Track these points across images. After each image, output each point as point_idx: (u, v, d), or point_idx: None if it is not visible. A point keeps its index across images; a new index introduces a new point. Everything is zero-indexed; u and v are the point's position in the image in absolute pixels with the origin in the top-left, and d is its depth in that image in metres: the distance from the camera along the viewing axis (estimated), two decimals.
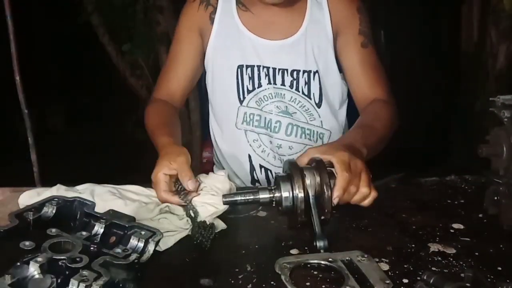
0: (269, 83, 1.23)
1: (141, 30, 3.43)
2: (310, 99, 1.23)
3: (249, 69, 1.23)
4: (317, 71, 1.22)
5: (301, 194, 0.82)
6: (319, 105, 1.24)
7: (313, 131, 1.25)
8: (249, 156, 1.27)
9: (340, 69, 1.25)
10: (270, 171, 1.28)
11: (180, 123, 1.25)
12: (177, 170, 0.94)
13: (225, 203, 0.88)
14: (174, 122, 1.21)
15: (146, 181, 1.04)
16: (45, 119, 4.80)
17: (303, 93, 1.23)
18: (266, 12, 1.21)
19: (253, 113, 1.25)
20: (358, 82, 1.22)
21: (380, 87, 1.21)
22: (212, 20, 1.25)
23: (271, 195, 0.85)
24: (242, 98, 1.24)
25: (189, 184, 0.92)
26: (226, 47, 1.24)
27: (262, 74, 1.22)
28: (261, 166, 1.28)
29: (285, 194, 0.84)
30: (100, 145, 4.08)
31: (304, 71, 1.22)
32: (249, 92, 1.24)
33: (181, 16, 1.30)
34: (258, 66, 1.22)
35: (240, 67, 1.23)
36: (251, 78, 1.23)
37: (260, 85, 1.23)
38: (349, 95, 1.29)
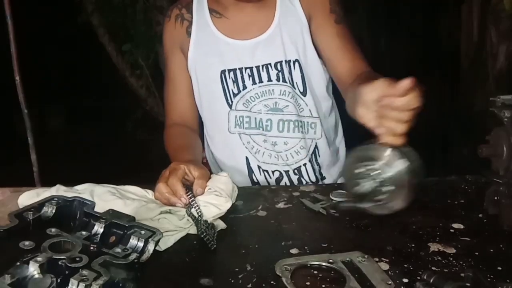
0: (254, 83, 1.23)
1: (141, 30, 3.43)
2: (295, 88, 1.24)
3: (231, 72, 1.23)
4: (297, 60, 1.22)
5: None
6: (304, 93, 1.24)
7: (304, 122, 1.26)
8: (247, 159, 1.28)
9: (319, 56, 1.25)
10: (267, 171, 1.28)
11: (200, 144, 1.27)
12: (196, 177, 0.97)
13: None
14: (195, 145, 1.23)
15: (146, 181, 1.04)
16: (45, 119, 4.81)
17: (289, 83, 1.23)
18: (239, 14, 1.24)
19: (242, 116, 1.25)
20: (339, 57, 1.21)
21: (362, 61, 1.20)
22: (189, 34, 1.27)
23: None
24: (230, 102, 1.25)
25: (198, 192, 0.94)
26: (205, 55, 1.25)
27: (246, 76, 1.23)
28: (259, 167, 1.28)
29: None
30: (100, 145, 4.09)
31: (285, 61, 1.22)
32: (235, 95, 1.24)
33: (163, 37, 1.33)
34: (240, 69, 1.23)
35: (223, 72, 1.24)
36: (235, 81, 1.23)
37: (245, 87, 1.24)
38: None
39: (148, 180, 1.03)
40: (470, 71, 3.45)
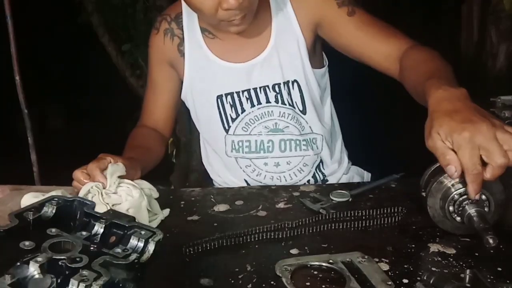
0: (252, 105, 1.19)
1: (141, 30, 3.43)
2: (294, 108, 1.20)
3: (229, 96, 1.20)
4: (295, 80, 1.17)
5: None
6: (304, 112, 1.21)
7: (307, 139, 1.23)
8: (246, 181, 1.26)
9: (324, 64, 1.25)
10: None
11: (160, 149, 1.26)
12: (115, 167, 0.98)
13: None
14: (150, 149, 1.21)
15: (145, 181, 1.03)
16: (45, 119, 4.80)
17: (289, 104, 1.19)
18: (232, 35, 1.14)
19: (241, 140, 1.22)
20: (369, 47, 1.11)
21: (396, 37, 1.09)
22: (181, 53, 1.22)
23: None
24: (227, 127, 1.22)
25: (101, 179, 0.95)
26: (200, 79, 1.21)
27: (243, 99, 1.19)
28: None
29: None
30: (100, 145, 4.07)
31: (284, 83, 1.17)
32: (233, 120, 1.21)
33: (149, 47, 1.29)
34: (237, 92, 1.19)
35: (220, 97, 1.20)
36: (233, 105, 1.20)
37: (243, 110, 1.20)
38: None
39: (147, 180, 1.03)
40: (470, 71, 3.45)
